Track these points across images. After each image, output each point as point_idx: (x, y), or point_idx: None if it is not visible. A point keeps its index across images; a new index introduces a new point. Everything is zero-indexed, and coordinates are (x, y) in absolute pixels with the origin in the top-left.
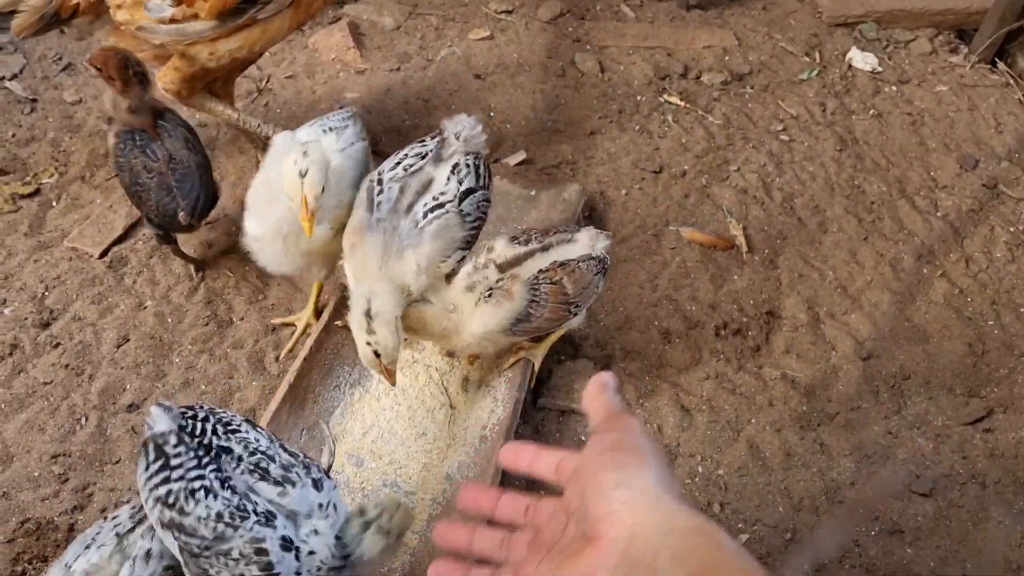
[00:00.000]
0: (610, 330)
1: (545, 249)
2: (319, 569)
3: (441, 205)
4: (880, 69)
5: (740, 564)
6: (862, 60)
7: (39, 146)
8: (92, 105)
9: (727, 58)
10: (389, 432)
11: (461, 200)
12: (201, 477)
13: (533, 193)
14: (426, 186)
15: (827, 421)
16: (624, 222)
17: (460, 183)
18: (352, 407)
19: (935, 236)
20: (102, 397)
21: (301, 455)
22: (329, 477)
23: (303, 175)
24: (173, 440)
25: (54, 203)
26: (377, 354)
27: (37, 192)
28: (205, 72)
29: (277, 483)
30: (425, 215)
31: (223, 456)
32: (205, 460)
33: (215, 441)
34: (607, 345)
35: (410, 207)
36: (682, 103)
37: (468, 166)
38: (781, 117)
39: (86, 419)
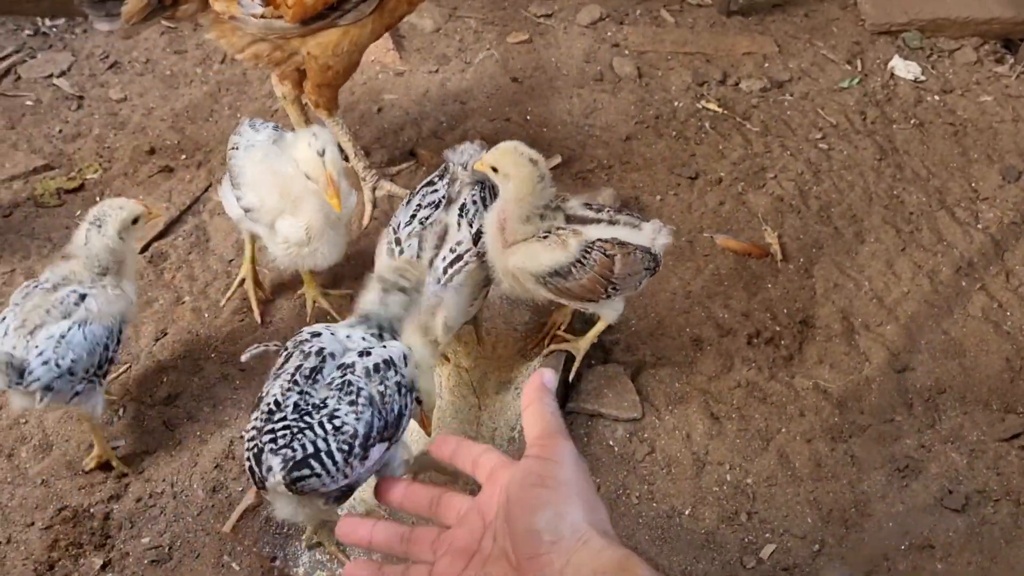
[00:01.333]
0: (641, 335)
1: (612, 223)
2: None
3: (460, 257)
4: (923, 78)
5: None
6: (905, 69)
7: (84, 142)
8: (137, 103)
9: (767, 65)
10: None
11: (476, 241)
12: (320, 425)
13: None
14: (442, 237)
15: (859, 433)
16: None
17: (471, 225)
18: None
19: (975, 248)
20: (140, 389)
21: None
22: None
23: (322, 154)
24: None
25: (97, 198)
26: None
27: (81, 187)
28: (327, 76)
29: (322, 360)
30: (446, 271)
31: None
32: (314, 433)
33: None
34: (637, 350)
35: (430, 262)
36: (720, 109)
37: (475, 202)
38: (820, 125)
39: (124, 410)
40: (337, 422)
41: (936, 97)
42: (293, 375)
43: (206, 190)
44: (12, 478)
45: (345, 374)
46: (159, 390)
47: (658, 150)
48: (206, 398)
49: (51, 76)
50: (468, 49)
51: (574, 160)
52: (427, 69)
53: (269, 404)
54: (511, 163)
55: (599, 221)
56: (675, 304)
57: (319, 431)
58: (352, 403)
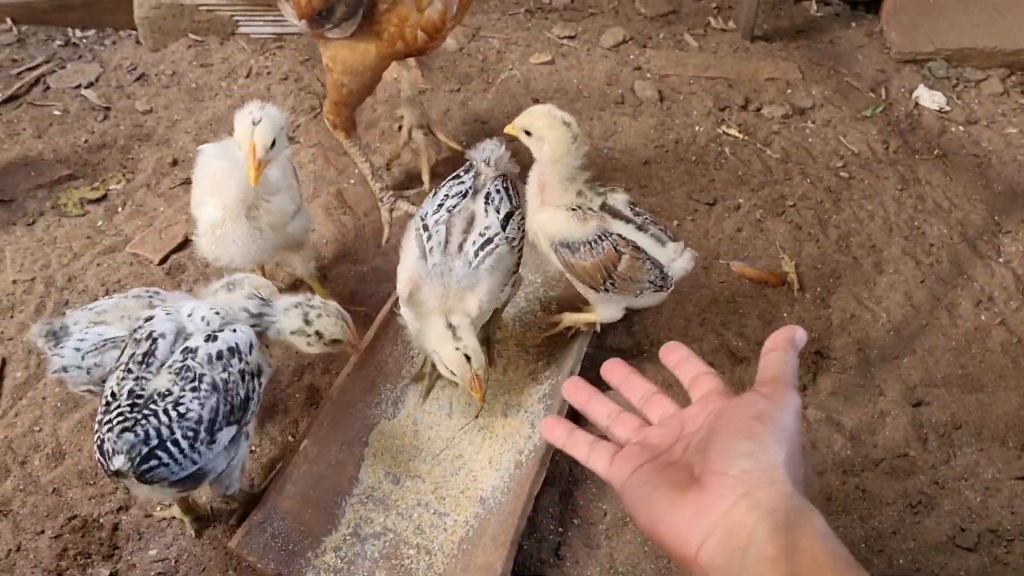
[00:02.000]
0: (654, 361)
1: (640, 228)
2: (219, 316)
3: (490, 240)
4: (948, 108)
5: (831, 551)
6: (929, 98)
7: (109, 153)
8: (162, 115)
9: (789, 91)
10: (427, 452)
11: (504, 227)
12: (164, 413)
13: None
14: (470, 223)
15: (871, 467)
16: None
17: (498, 211)
18: (392, 425)
19: (996, 282)
20: None
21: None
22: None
23: (256, 123)
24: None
25: (119, 209)
26: (468, 357)
27: (104, 197)
28: (342, 93)
29: (153, 342)
30: (476, 253)
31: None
32: (157, 419)
33: (125, 402)
34: (649, 375)
35: (460, 247)
36: (741, 135)
37: (499, 191)
38: (842, 153)
39: None
40: (181, 408)
41: (961, 128)
42: (127, 364)
43: None
44: (24, 486)
45: (186, 359)
46: (169, 399)
47: (677, 175)
48: None
49: (79, 87)
50: (490, 69)
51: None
52: (449, 88)
53: (106, 396)
54: (545, 125)
55: (629, 222)
56: (689, 330)
57: (163, 418)
58: (195, 388)
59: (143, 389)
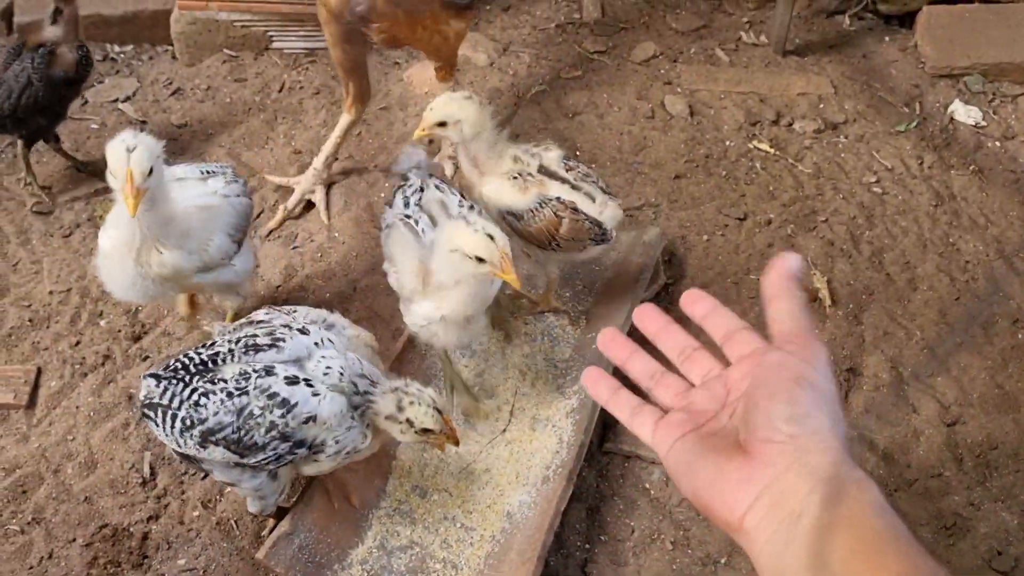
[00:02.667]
0: None
1: (575, 187)
2: (340, 377)
3: (472, 206)
4: (984, 123)
5: (887, 524)
6: (965, 113)
7: None
8: (197, 129)
9: (822, 106)
10: (454, 465)
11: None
12: (196, 389)
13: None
14: (443, 204)
15: (905, 487)
16: (704, 268)
17: (453, 195)
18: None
19: None
20: None
21: (278, 314)
22: (306, 331)
23: (131, 150)
24: (154, 385)
25: None
26: (491, 237)
27: None
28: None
29: (270, 346)
30: (471, 210)
31: (211, 362)
32: (194, 376)
33: (198, 357)
34: None
35: (447, 216)
36: (772, 150)
37: (439, 187)
38: (875, 169)
39: None
40: (202, 399)
41: (997, 143)
42: (240, 338)
43: (257, 216)
44: (57, 494)
45: (251, 372)
46: None
47: (707, 189)
48: None
49: (116, 101)
50: (520, 84)
51: (621, 197)
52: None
53: (204, 348)
54: (456, 108)
55: (564, 181)
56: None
57: (186, 394)
58: (228, 395)
59: (217, 364)
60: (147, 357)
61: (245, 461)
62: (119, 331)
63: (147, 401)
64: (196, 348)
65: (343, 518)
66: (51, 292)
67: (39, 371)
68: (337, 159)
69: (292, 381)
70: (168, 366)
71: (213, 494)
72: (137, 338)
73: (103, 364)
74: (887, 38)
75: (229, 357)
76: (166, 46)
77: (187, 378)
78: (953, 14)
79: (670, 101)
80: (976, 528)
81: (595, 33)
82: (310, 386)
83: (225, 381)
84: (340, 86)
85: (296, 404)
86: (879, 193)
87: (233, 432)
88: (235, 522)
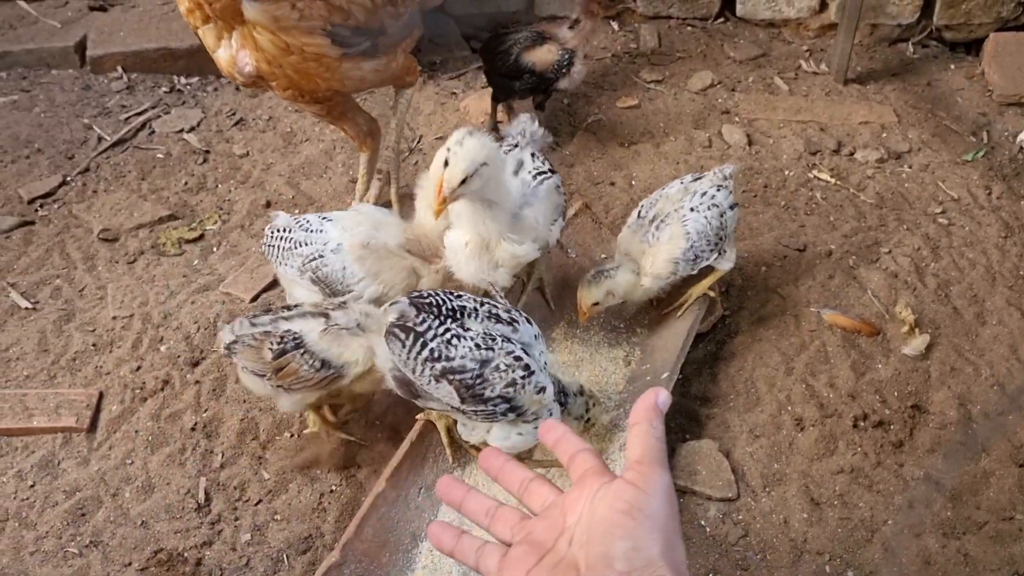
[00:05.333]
0: (738, 411)
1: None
2: (542, 389)
3: (543, 172)
4: None
5: None
6: None
7: (207, 195)
8: (257, 158)
9: (884, 135)
10: (506, 497)
11: (552, 171)
12: (449, 330)
13: None
14: (520, 164)
15: (974, 530)
16: (762, 300)
17: (544, 163)
18: (471, 470)
19: None
20: (239, 437)
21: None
22: (531, 322)
23: (447, 163)
24: (413, 314)
25: (215, 248)
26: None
27: (201, 237)
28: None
29: (508, 323)
30: (535, 178)
31: (459, 312)
32: (447, 319)
33: (449, 303)
34: (733, 426)
35: (515, 172)
36: (832, 180)
37: (536, 156)
38: (940, 199)
39: (223, 455)
40: (454, 340)
41: None
42: (484, 302)
43: None
44: (115, 517)
45: (497, 336)
46: (256, 437)
47: (765, 219)
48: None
49: (182, 131)
50: (577, 113)
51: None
52: None
53: (453, 297)
54: (480, 148)
55: None
56: (776, 380)
57: (440, 330)
58: (476, 346)
59: (464, 316)
60: (198, 382)
61: (463, 407)
62: (178, 357)
63: (401, 323)
64: (445, 292)
65: (393, 549)
66: (114, 317)
67: (101, 395)
68: (376, 187)
69: (527, 354)
70: (425, 298)
71: (265, 520)
72: (195, 364)
73: (162, 389)
74: (952, 66)
75: (474, 315)
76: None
77: (441, 317)
78: (1021, 41)
79: (728, 130)
80: None
81: (652, 62)
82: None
83: (474, 332)
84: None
85: (535, 372)
86: (945, 224)
87: (472, 378)
88: (286, 555)
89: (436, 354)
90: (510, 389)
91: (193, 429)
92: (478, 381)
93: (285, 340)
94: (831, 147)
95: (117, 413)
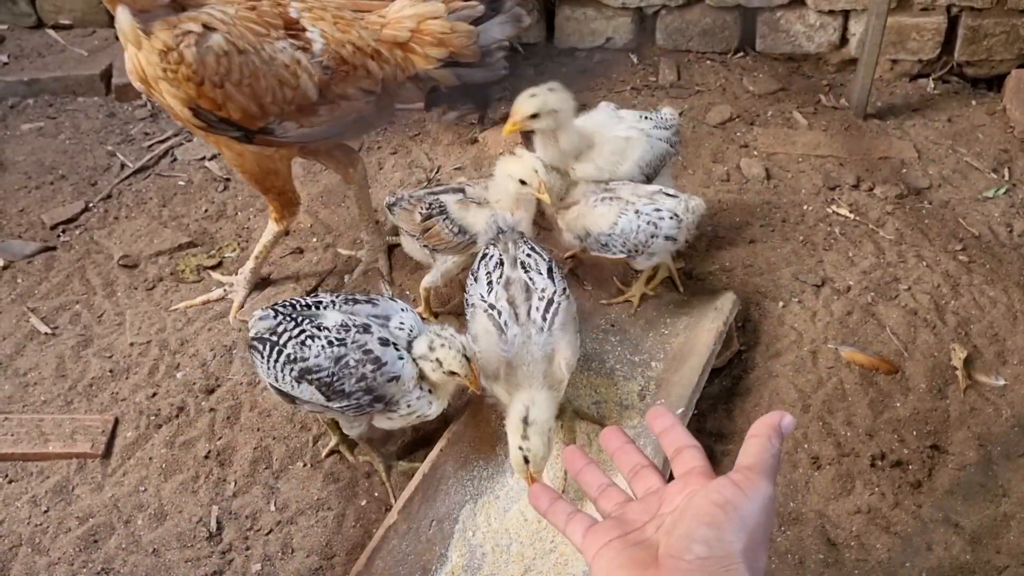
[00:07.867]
0: None
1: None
2: (409, 334)
3: (551, 301)
4: None
5: None
6: None
7: (226, 222)
8: None
9: (904, 170)
10: (518, 531)
11: (554, 282)
12: (304, 331)
13: (686, 298)
14: (527, 291)
15: (994, 574)
16: (779, 336)
17: (541, 272)
18: (484, 503)
19: None
20: (252, 465)
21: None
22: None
23: (530, 96)
24: (270, 322)
25: (233, 276)
26: (527, 460)
27: (219, 264)
28: None
29: (367, 301)
30: (544, 318)
31: (313, 308)
32: (300, 319)
33: (303, 301)
34: None
35: (528, 314)
36: (851, 215)
37: (528, 255)
38: (961, 236)
39: (235, 484)
40: (307, 341)
41: None
42: (342, 295)
43: (330, 272)
44: (126, 545)
45: (351, 326)
46: (270, 464)
47: (783, 255)
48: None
49: (203, 159)
50: None
51: (695, 261)
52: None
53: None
54: (555, 98)
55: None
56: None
57: (295, 332)
58: (329, 343)
59: (317, 312)
60: (212, 410)
61: (331, 405)
62: (194, 384)
63: (258, 336)
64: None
65: None
66: (132, 344)
67: (116, 421)
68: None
69: (384, 343)
70: (282, 304)
71: (276, 550)
72: (210, 391)
73: (177, 416)
74: (974, 102)
75: (331, 306)
76: None
77: (296, 318)
78: None
79: (746, 164)
80: None
81: (670, 96)
82: (397, 349)
83: (329, 328)
84: (417, 151)
85: (386, 364)
86: (965, 261)
87: (329, 375)
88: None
89: (292, 356)
90: (362, 383)
91: (207, 457)
92: (335, 378)
93: (432, 206)
94: (850, 182)
95: (132, 439)
